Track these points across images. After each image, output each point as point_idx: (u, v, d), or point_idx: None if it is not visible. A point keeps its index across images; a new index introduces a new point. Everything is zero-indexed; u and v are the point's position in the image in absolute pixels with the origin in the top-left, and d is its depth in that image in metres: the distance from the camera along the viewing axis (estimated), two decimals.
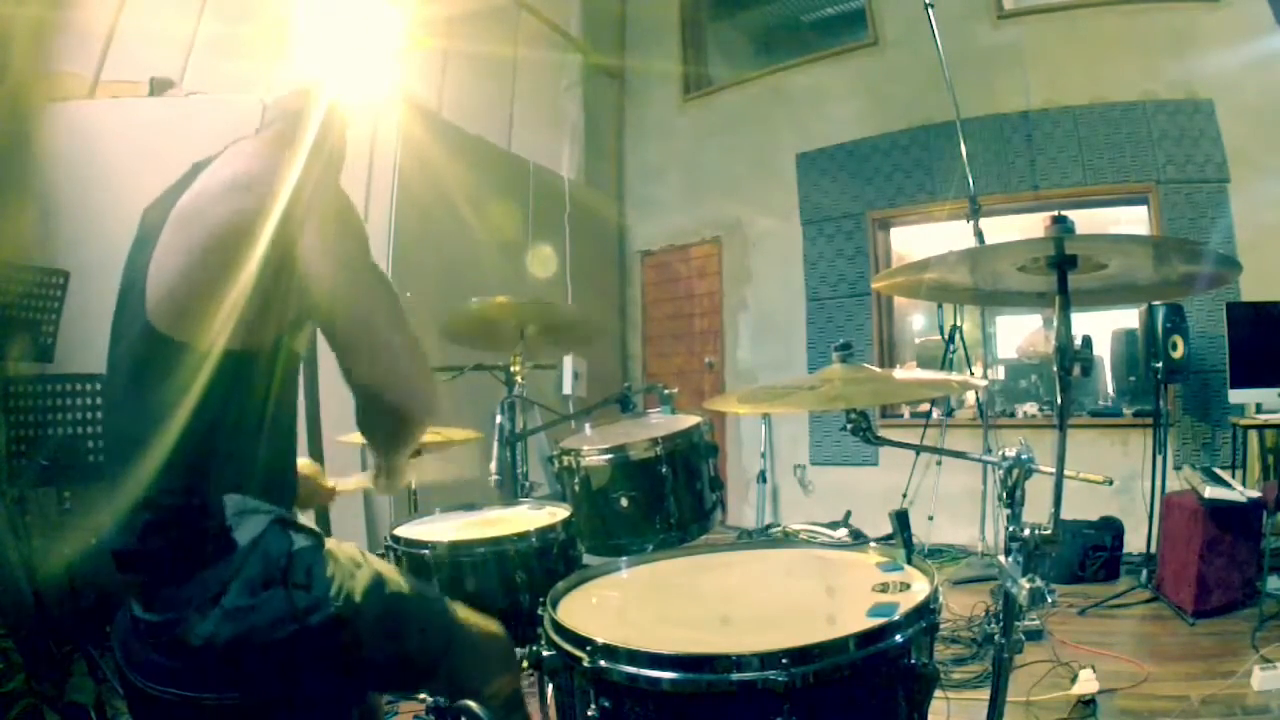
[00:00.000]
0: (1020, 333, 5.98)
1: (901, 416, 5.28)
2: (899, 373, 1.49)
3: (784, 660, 0.92)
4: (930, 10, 3.10)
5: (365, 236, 1.15)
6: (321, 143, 1.14)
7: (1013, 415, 5.07)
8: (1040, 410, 5.01)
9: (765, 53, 7.25)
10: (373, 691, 1.38)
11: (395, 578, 1.19)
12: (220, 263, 1.01)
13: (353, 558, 1.16)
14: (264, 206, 1.03)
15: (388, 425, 1.21)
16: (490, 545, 1.66)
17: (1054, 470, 1.17)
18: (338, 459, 2.85)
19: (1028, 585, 1.09)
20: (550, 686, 1.18)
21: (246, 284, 1.01)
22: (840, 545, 1.68)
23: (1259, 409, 3.63)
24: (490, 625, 1.31)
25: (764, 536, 3.89)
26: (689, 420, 2.10)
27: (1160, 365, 3.75)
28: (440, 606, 1.25)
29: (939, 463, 4.54)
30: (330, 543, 1.15)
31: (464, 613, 1.28)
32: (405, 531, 1.79)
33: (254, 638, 1.00)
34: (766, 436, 5.64)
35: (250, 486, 1.06)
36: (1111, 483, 1.40)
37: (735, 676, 0.93)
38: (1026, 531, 1.13)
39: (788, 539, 2.01)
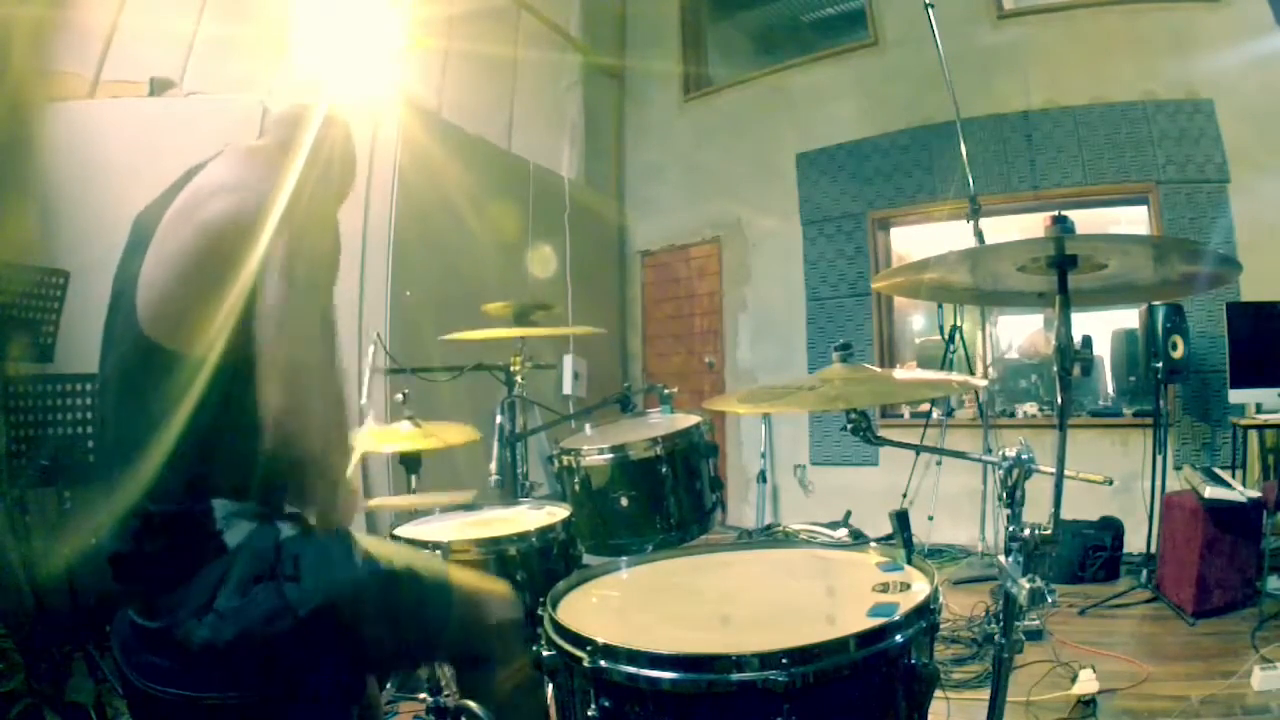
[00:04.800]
0: (1020, 333, 5.98)
1: (901, 416, 5.28)
2: (899, 373, 1.49)
3: (784, 660, 0.92)
4: (930, 10, 3.09)
5: (335, 270, 1.11)
6: (317, 154, 1.13)
7: (1013, 415, 5.07)
8: (1040, 410, 5.01)
9: (765, 53, 7.25)
10: (374, 674, 1.36)
11: (387, 555, 1.17)
12: (211, 270, 1.00)
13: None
14: (252, 212, 1.02)
15: (284, 467, 1.06)
16: (490, 545, 1.67)
17: (1054, 470, 1.17)
18: None
19: (1028, 585, 1.09)
20: (550, 686, 1.18)
21: (237, 291, 1.00)
22: (840, 545, 1.68)
23: (1259, 409, 3.62)
24: (498, 595, 1.28)
25: (764, 536, 3.89)
26: (689, 420, 2.10)
27: (1160, 365, 3.75)
28: (437, 582, 1.22)
29: (939, 463, 4.54)
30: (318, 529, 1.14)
31: (469, 586, 1.25)
32: (405, 532, 1.80)
33: (251, 636, 1.00)
34: (766, 436, 5.64)
35: (245, 490, 1.05)
36: (1111, 483, 1.40)
37: (735, 676, 0.93)
38: (1026, 531, 1.14)
39: (788, 539, 2.02)
